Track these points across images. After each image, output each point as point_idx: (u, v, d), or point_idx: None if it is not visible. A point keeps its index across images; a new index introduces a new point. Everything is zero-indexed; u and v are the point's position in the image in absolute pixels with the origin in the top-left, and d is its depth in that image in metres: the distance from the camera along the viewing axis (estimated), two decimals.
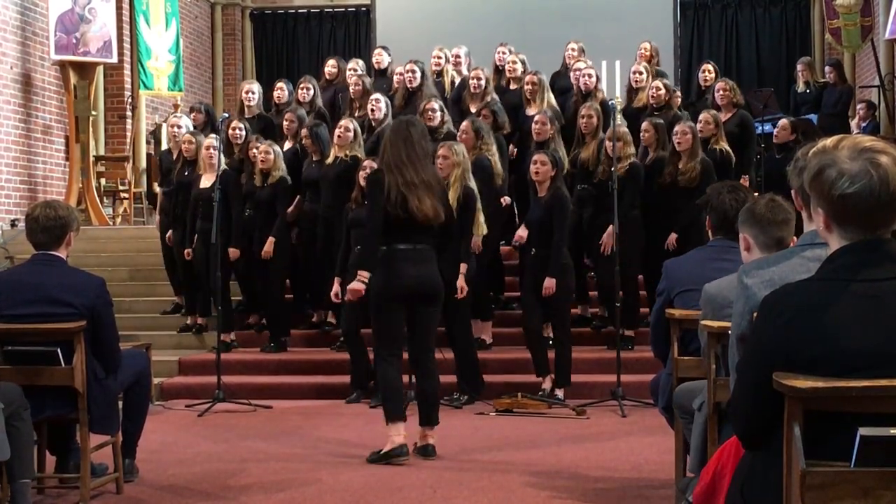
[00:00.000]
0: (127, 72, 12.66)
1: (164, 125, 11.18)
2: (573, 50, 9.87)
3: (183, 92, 13.09)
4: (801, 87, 11.90)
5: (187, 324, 8.68)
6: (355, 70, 9.67)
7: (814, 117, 11.28)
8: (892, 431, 2.03)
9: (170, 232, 8.69)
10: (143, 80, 12.38)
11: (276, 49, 16.18)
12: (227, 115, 8.78)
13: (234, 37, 15.85)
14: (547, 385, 7.11)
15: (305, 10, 16.15)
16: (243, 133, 8.71)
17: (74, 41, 11.13)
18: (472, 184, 6.88)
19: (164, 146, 11.05)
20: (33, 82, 11.22)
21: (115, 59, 11.78)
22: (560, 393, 7.08)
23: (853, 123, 11.57)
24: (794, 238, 3.44)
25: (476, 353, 7.29)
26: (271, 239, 8.15)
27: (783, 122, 9.02)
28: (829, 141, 2.19)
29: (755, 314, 2.28)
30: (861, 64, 13.58)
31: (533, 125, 7.98)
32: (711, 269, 4.00)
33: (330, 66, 10.07)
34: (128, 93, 12.71)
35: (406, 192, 5.31)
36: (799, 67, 12.09)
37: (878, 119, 11.95)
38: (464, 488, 4.83)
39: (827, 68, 12.15)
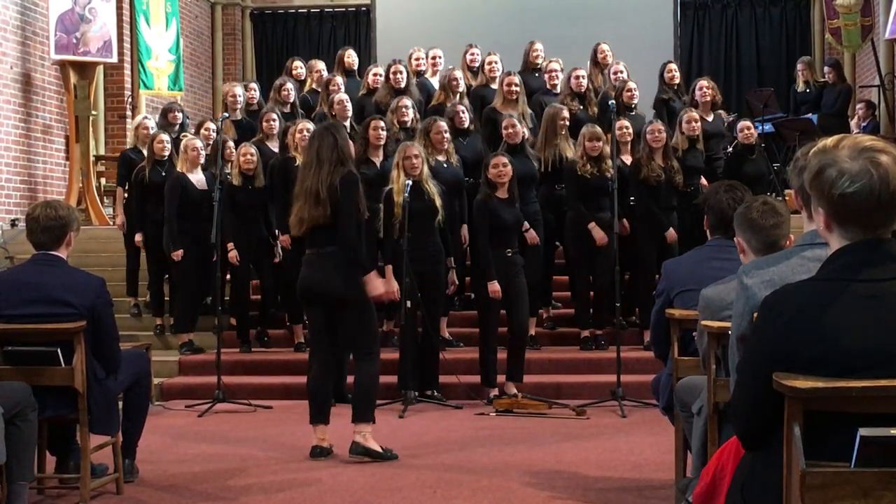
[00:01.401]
0: (127, 72, 12.65)
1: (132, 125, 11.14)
2: (540, 50, 9.79)
3: (183, 92, 13.08)
4: (800, 87, 11.91)
5: (159, 324, 8.59)
6: (320, 71, 9.81)
7: (814, 117, 11.28)
8: (892, 431, 2.03)
9: (138, 236, 8.52)
10: (143, 80, 12.38)
11: (276, 49, 16.16)
12: (226, 115, 8.77)
13: (234, 37, 15.84)
14: (511, 390, 7.13)
15: (305, 10, 16.14)
16: (213, 134, 8.71)
17: (74, 41, 11.12)
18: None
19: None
20: (33, 82, 11.22)
21: (115, 59, 11.77)
22: (514, 388, 7.11)
23: (853, 123, 11.57)
24: (791, 237, 3.45)
25: (437, 350, 7.27)
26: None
27: (745, 122, 8.98)
28: (829, 140, 2.19)
29: (755, 314, 2.28)
30: (861, 64, 13.58)
31: (503, 129, 7.89)
32: (710, 269, 4.01)
33: (298, 68, 10.16)
34: (128, 93, 12.71)
35: (293, 206, 5.55)
36: (799, 67, 12.10)
37: (878, 119, 11.95)
38: (464, 488, 4.83)
39: (826, 68, 12.16)
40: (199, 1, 15.16)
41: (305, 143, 5.76)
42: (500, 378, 7.22)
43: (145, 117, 9.59)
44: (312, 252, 5.52)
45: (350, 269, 5.46)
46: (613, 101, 8.13)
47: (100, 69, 11.82)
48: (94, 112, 11.64)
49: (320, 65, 10.16)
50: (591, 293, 8.12)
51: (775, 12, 15.35)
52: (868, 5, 12.01)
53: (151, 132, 8.84)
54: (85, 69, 11.32)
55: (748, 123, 8.91)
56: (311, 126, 8.07)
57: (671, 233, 7.85)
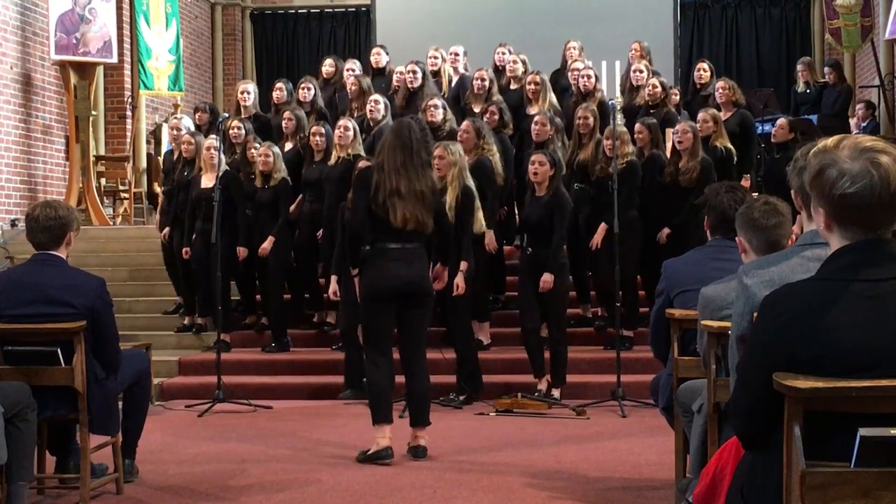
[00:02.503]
0: (127, 72, 12.66)
1: (165, 125, 11.22)
2: (574, 49, 9.86)
3: (183, 92, 13.09)
4: (801, 88, 11.90)
5: (185, 324, 8.68)
6: (353, 70, 9.69)
7: (814, 117, 11.28)
8: (892, 431, 2.03)
9: (165, 230, 8.70)
10: (143, 80, 12.38)
11: (276, 49, 16.18)
12: (226, 115, 8.78)
13: (234, 37, 15.85)
14: (543, 386, 7.11)
15: (305, 10, 16.15)
16: (242, 132, 8.72)
17: (74, 41, 11.12)
18: (471, 182, 6.90)
19: (164, 146, 11.08)
20: (33, 82, 11.22)
21: (115, 59, 11.78)
22: (556, 393, 7.08)
23: (853, 123, 11.57)
24: (793, 237, 3.45)
25: (476, 352, 7.29)
26: (271, 238, 8.19)
27: (781, 121, 8.99)
28: (829, 141, 2.19)
29: (755, 314, 2.28)
30: (861, 64, 13.59)
31: (532, 125, 7.96)
32: (710, 269, 4.01)
33: (328, 66, 10.09)
34: (128, 93, 12.71)
35: (390, 201, 5.34)
36: (799, 67, 12.09)
37: (878, 119, 11.95)
38: (464, 488, 4.83)
39: (826, 69, 12.15)
40: (199, 1, 15.16)
41: (387, 140, 5.57)
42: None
43: (177, 117, 9.61)
44: (397, 247, 5.39)
45: (428, 267, 5.53)
46: (613, 102, 8.10)
47: (100, 69, 11.82)
48: (94, 112, 11.64)
49: (350, 64, 9.99)
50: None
51: (775, 12, 15.35)
52: (868, 5, 12.01)
53: (179, 132, 8.89)
54: (85, 69, 11.32)
55: (784, 122, 8.89)
56: (349, 124, 8.06)
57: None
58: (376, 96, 8.70)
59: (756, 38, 15.35)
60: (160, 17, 12.54)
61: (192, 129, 9.05)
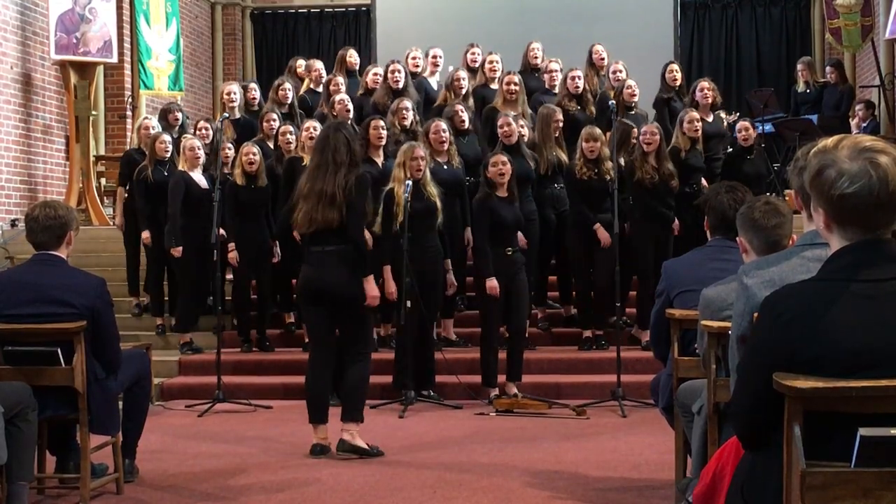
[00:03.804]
0: (127, 71, 12.65)
1: (134, 127, 11.20)
2: (537, 50, 9.81)
3: (183, 91, 13.08)
4: (801, 87, 11.91)
5: (160, 324, 8.61)
6: (319, 70, 9.82)
7: (814, 117, 11.27)
8: (892, 431, 2.03)
9: (146, 233, 8.49)
10: (143, 80, 12.38)
11: (276, 49, 16.17)
12: (226, 115, 8.77)
13: (234, 37, 15.85)
14: (497, 391, 7.12)
15: (305, 10, 16.15)
16: (211, 132, 8.73)
17: (74, 41, 11.12)
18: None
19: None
20: (33, 82, 11.22)
21: (115, 59, 11.77)
22: (514, 388, 7.10)
23: (853, 124, 11.57)
24: (794, 237, 3.45)
25: (433, 350, 7.26)
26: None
27: (745, 123, 8.98)
28: (829, 141, 2.20)
29: (756, 314, 2.28)
30: (861, 64, 13.58)
31: (498, 128, 7.90)
32: (710, 269, 4.02)
33: (301, 67, 10.22)
34: (128, 92, 12.70)
35: (298, 204, 5.50)
36: (799, 67, 12.10)
37: (878, 119, 11.95)
38: (464, 488, 4.83)
39: (828, 68, 12.15)
40: (199, 1, 15.16)
41: (313, 143, 5.71)
42: (501, 378, 7.22)
43: (147, 118, 9.60)
44: (318, 250, 5.48)
45: (356, 268, 5.50)
46: (613, 101, 8.10)
47: (100, 69, 11.81)
48: (94, 112, 11.63)
49: (318, 65, 10.20)
50: (592, 293, 8.10)
51: (775, 12, 15.34)
52: (868, 5, 12.00)
53: (153, 133, 8.84)
54: (85, 69, 11.32)
55: (747, 124, 8.92)
56: (317, 125, 8.04)
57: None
58: (342, 95, 8.75)
59: (756, 38, 15.33)
60: (160, 17, 12.54)
61: (161, 129, 9.01)
